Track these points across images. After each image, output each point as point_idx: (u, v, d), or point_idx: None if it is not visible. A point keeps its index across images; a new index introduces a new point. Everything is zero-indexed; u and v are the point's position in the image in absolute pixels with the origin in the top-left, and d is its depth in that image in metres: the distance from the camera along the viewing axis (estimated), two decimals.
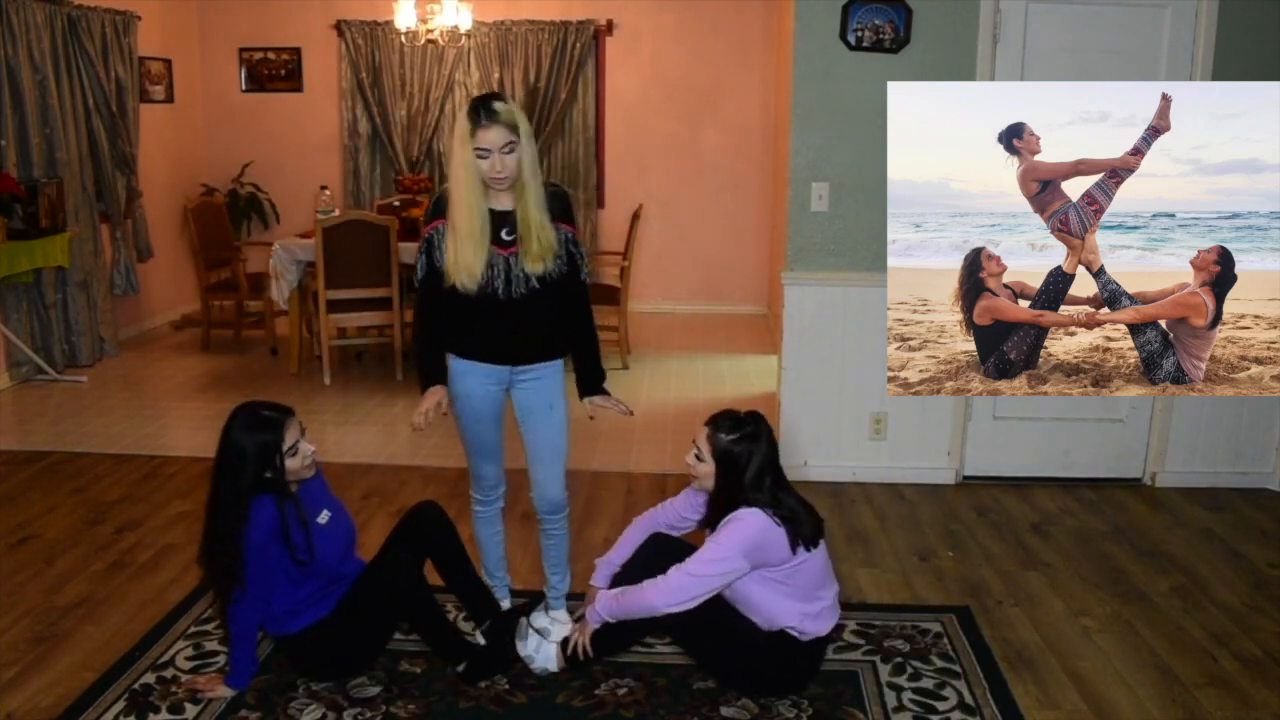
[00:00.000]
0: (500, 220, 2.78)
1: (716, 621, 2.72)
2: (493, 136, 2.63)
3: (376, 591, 2.78)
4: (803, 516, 2.69)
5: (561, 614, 3.13)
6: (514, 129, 2.65)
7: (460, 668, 2.82)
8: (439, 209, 2.80)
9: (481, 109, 2.64)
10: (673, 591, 2.63)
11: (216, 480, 2.66)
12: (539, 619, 3.04)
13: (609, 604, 2.71)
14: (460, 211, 2.72)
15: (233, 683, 2.74)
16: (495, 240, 2.77)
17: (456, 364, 2.90)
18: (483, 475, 3.04)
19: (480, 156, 2.65)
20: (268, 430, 2.64)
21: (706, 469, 2.73)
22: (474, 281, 2.75)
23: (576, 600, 3.17)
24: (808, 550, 2.68)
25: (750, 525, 2.63)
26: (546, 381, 2.92)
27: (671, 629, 2.82)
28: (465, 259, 2.73)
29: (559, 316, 2.89)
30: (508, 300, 2.77)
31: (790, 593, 2.70)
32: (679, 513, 2.96)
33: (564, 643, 2.84)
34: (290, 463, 2.66)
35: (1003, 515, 4.09)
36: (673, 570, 2.66)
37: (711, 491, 2.76)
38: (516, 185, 2.73)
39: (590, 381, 2.97)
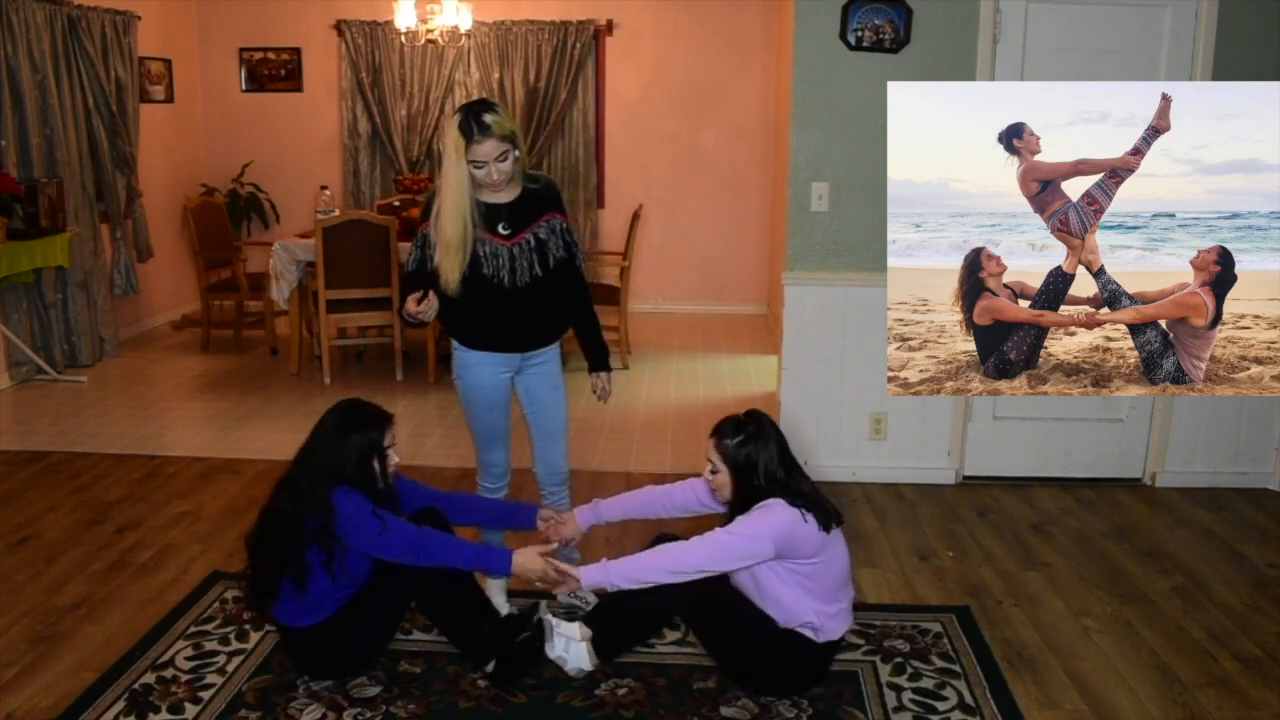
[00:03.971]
0: (497, 214, 2.87)
1: (735, 612, 2.72)
2: (487, 149, 2.73)
3: (401, 584, 2.74)
4: (820, 501, 2.70)
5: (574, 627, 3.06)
6: (507, 138, 2.73)
7: (489, 668, 2.80)
8: (430, 212, 2.90)
9: (474, 123, 2.70)
10: (698, 555, 2.60)
11: (304, 465, 2.64)
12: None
13: (624, 568, 2.64)
14: (447, 221, 2.80)
15: (499, 568, 2.73)
16: (493, 232, 2.86)
17: (467, 356, 2.99)
18: (494, 463, 3.16)
19: (476, 168, 2.74)
20: (372, 426, 2.67)
21: (723, 479, 2.73)
22: (452, 286, 2.86)
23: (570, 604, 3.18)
24: (829, 531, 2.68)
25: (781, 516, 2.61)
26: (552, 364, 3.11)
27: (690, 614, 2.78)
28: (446, 269, 2.85)
29: (558, 301, 3.03)
30: (513, 290, 2.89)
31: (814, 590, 2.69)
32: (698, 498, 2.95)
33: (591, 620, 2.80)
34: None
35: (1003, 515, 4.09)
36: (696, 538, 2.64)
37: (731, 499, 2.75)
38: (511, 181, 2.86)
39: (598, 358, 3.19)
